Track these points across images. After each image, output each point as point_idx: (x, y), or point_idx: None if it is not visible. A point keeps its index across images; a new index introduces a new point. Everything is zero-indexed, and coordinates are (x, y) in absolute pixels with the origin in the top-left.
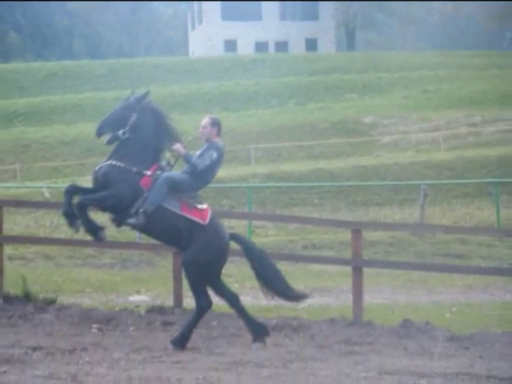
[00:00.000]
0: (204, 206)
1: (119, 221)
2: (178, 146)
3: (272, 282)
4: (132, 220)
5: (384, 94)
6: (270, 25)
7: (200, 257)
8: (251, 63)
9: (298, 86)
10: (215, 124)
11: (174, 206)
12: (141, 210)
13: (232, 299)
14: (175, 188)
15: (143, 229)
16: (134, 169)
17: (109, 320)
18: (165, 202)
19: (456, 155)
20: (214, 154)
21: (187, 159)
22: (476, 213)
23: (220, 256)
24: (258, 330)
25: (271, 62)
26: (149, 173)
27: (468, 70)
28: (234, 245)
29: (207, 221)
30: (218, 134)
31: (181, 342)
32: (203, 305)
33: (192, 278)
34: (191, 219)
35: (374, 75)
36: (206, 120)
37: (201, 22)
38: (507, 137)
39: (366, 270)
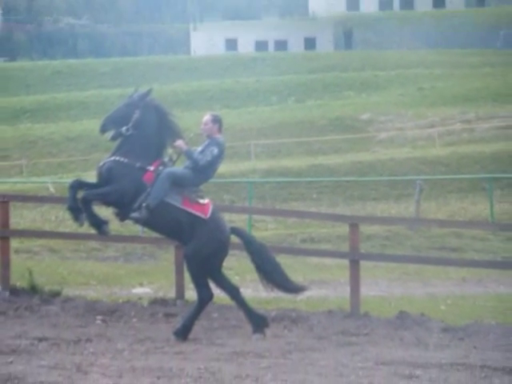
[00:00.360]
0: (205, 201)
1: (122, 215)
2: (180, 142)
3: (272, 274)
4: (135, 214)
5: (380, 92)
6: (270, 24)
7: (201, 250)
8: (251, 62)
9: (297, 84)
10: (216, 121)
11: (175, 201)
12: (144, 205)
13: (233, 291)
14: (177, 183)
15: (146, 223)
16: (138, 164)
17: (112, 312)
18: (167, 197)
19: (451, 151)
20: (215, 150)
21: (189, 155)
22: (470, 207)
23: (221, 249)
24: (258, 322)
25: (271, 60)
26: (152, 168)
27: (462, 68)
28: (234, 238)
29: (208, 215)
30: (219, 130)
31: (183, 333)
32: (204, 297)
33: (193, 271)
34: (192, 213)
35: (371, 73)
36: (207, 117)
37: (202, 21)
38: (500, 133)
39: (363, 263)
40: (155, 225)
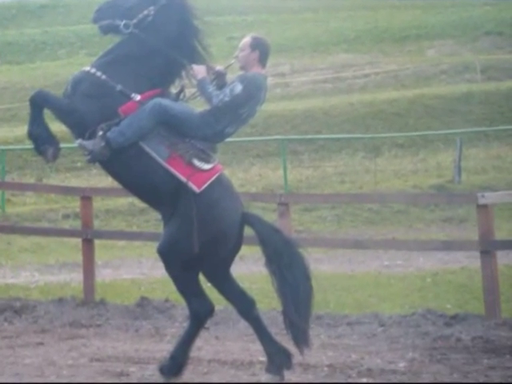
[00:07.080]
0: (208, 166)
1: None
2: (198, 68)
3: (289, 301)
4: (85, 142)
5: None
6: None
7: (182, 242)
8: None
9: None
10: (257, 46)
11: (158, 152)
12: (100, 133)
13: (245, 306)
14: (172, 126)
15: (104, 165)
16: (119, 87)
17: None
18: (146, 142)
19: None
20: (238, 88)
21: (202, 87)
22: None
23: (219, 243)
24: (277, 358)
25: None
26: (138, 98)
27: (280, 14)
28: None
29: (203, 187)
30: (261, 62)
31: (172, 370)
32: (198, 310)
33: (174, 274)
34: (178, 178)
35: None
36: (246, 39)
37: None
38: (318, 88)
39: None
40: (119, 176)
